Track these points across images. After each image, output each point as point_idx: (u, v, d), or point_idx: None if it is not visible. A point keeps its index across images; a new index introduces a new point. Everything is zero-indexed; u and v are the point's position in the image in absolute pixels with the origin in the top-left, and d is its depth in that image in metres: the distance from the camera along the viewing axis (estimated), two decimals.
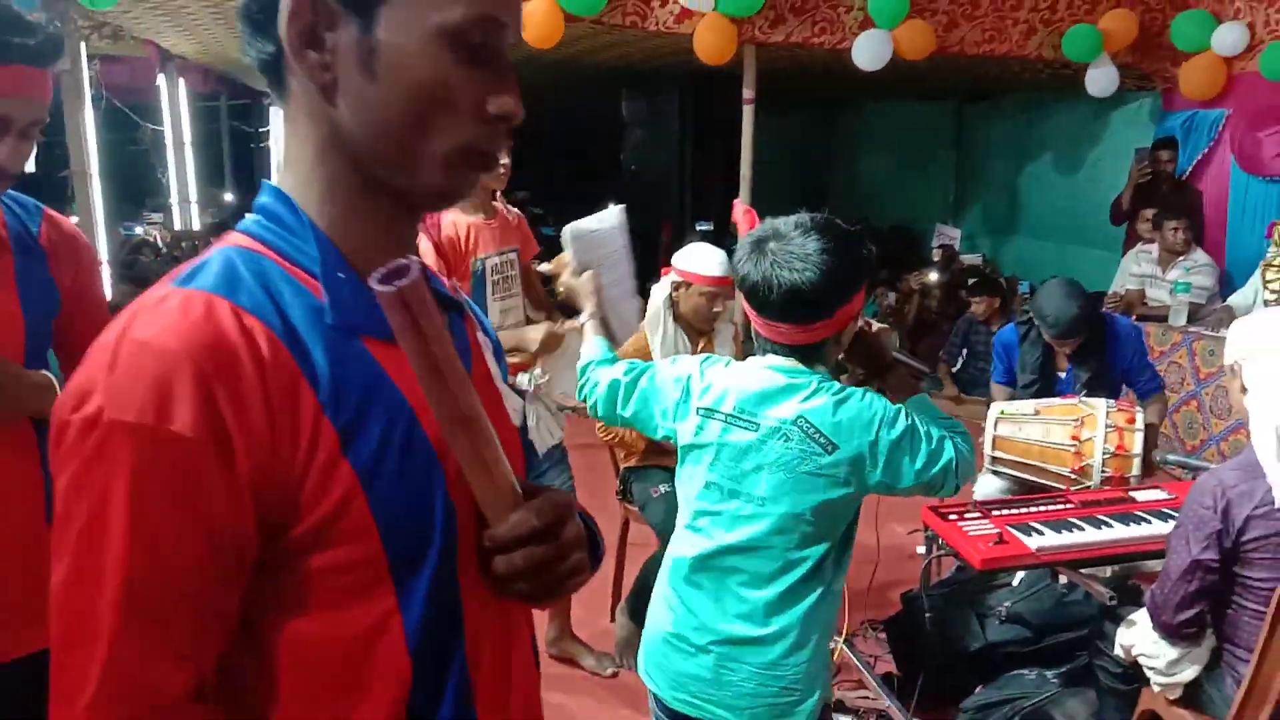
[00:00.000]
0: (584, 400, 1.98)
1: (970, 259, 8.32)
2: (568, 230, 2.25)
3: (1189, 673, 2.08)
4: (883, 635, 3.33)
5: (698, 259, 3.13)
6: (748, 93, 5.79)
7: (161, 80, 7.78)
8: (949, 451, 1.69)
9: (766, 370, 1.74)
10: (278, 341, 0.72)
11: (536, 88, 11.35)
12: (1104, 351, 3.51)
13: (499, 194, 3.10)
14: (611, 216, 2.32)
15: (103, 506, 0.68)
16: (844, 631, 2.95)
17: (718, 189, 11.87)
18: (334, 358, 0.74)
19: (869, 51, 5.56)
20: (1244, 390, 2.03)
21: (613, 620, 3.43)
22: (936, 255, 8.65)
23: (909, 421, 1.68)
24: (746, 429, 1.71)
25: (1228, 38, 5.86)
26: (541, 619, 3.24)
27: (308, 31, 0.73)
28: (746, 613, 1.73)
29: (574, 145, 13.50)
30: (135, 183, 8.89)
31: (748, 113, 5.80)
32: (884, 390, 1.78)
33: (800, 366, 1.72)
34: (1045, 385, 3.65)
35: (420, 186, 0.79)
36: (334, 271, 0.77)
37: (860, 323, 1.80)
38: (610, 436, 3.31)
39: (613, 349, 2.03)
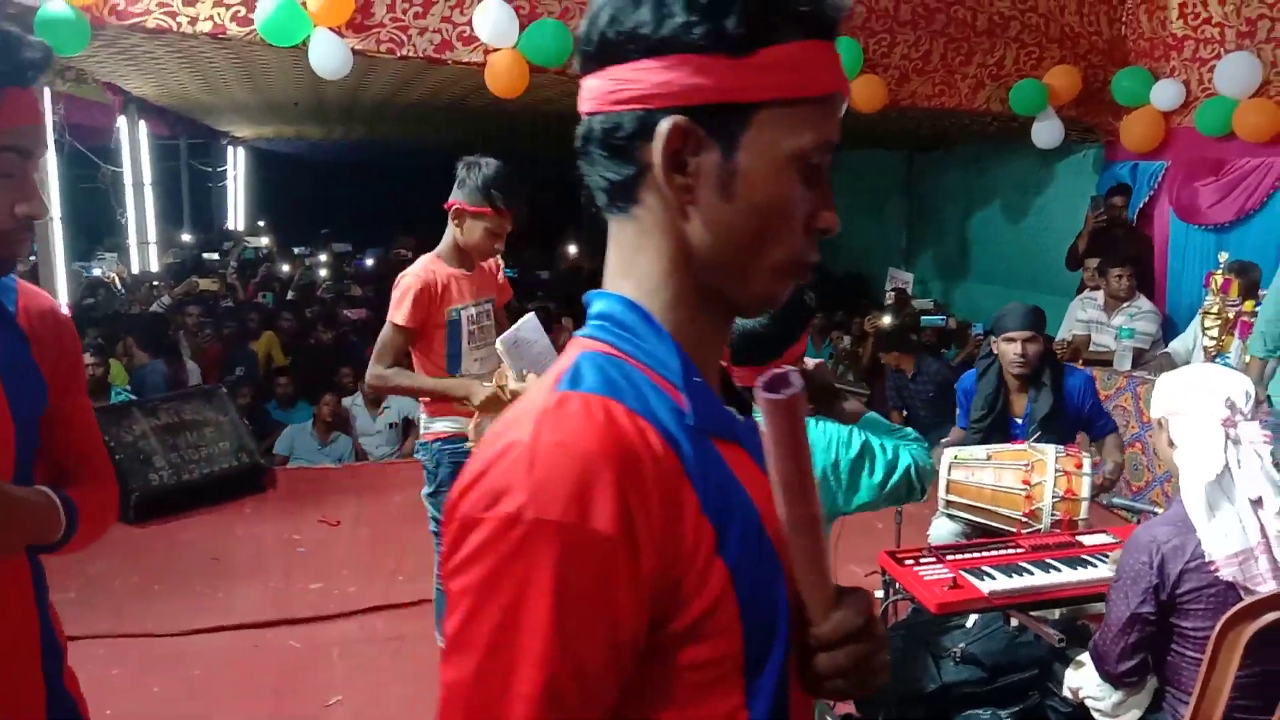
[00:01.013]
0: None
1: (922, 304, 8.53)
2: (499, 343, 2.38)
3: (1132, 715, 2.17)
4: None
5: None
6: None
7: (122, 121, 7.78)
8: (905, 458, 1.82)
9: None
10: (664, 442, 0.75)
11: (496, 130, 11.42)
12: (1060, 387, 3.63)
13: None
14: (529, 322, 2.51)
15: (523, 603, 0.70)
16: None
17: None
18: (699, 458, 0.78)
19: None
20: (1172, 445, 2.13)
21: None
22: (889, 299, 8.85)
23: (863, 439, 1.81)
24: None
25: (1165, 94, 6.13)
26: None
27: (677, 157, 0.77)
28: None
29: (533, 188, 13.73)
30: (93, 224, 8.83)
31: None
32: (835, 416, 1.90)
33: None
34: (999, 424, 3.74)
35: (752, 294, 0.84)
36: (691, 376, 0.81)
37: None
38: None
39: None
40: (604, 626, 0.71)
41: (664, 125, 0.76)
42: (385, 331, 2.94)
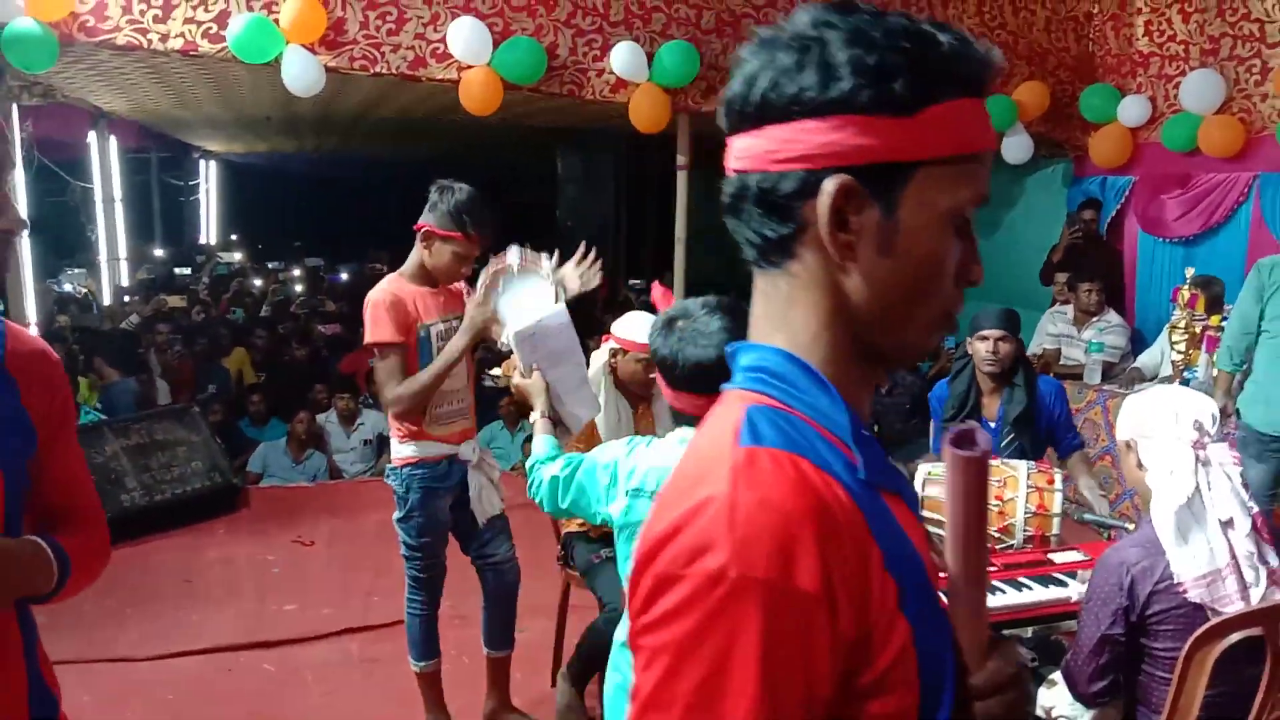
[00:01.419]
0: (533, 497, 2.06)
1: None
2: (513, 334, 2.31)
3: None
4: None
5: (633, 327, 3.22)
6: (681, 159, 5.96)
7: (92, 137, 7.71)
8: None
9: (681, 446, 1.85)
10: (850, 497, 0.76)
11: (470, 143, 11.42)
12: (1034, 389, 3.68)
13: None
14: (556, 315, 2.40)
15: (728, 662, 0.69)
16: None
17: (652, 247, 12.07)
18: (875, 512, 0.78)
19: None
20: (1141, 467, 2.16)
21: (554, 685, 3.45)
22: None
23: None
24: None
25: (1132, 110, 6.22)
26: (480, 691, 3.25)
27: (840, 215, 0.78)
28: None
29: (508, 201, 13.62)
30: (61, 239, 8.75)
31: (682, 179, 5.96)
32: None
33: None
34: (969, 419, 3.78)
35: (906, 346, 0.85)
36: (860, 429, 0.81)
37: None
38: None
39: (560, 446, 2.11)
40: (805, 684, 0.72)
41: (829, 185, 0.77)
42: (378, 360, 2.92)
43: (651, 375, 3.33)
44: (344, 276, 12.50)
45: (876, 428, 6.60)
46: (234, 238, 16.64)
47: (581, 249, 2.90)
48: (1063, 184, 7.15)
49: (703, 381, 1.78)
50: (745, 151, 0.82)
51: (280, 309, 9.79)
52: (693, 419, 1.84)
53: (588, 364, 2.74)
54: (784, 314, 0.84)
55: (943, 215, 0.80)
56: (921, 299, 0.82)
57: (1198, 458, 2.05)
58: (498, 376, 2.71)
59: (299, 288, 10.14)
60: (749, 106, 0.81)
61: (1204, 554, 2.01)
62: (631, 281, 10.52)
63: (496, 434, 6.58)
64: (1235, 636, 1.94)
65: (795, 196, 0.79)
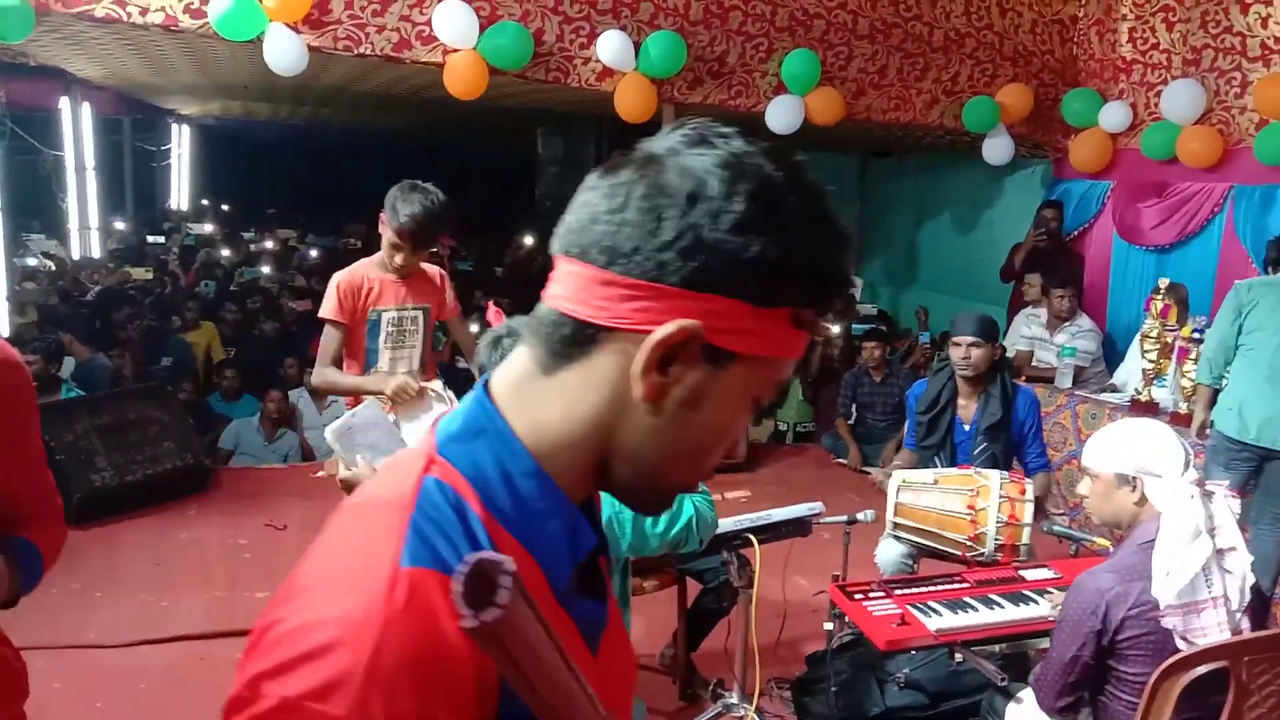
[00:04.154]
0: None
1: (866, 309, 8.65)
2: (328, 432, 2.42)
3: None
4: (788, 694, 3.46)
5: None
6: None
7: (65, 103, 7.56)
8: (688, 510, 1.94)
9: None
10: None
11: (450, 121, 11.28)
12: (1010, 400, 3.74)
13: (441, 273, 3.40)
14: (365, 410, 2.54)
15: None
16: (755, 695, 3.07)
17: None
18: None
19: (782, 117, 5.77)
20: (1142, 502, 2.21)
21: None
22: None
23: None
24: None
25: (1113, 116, 6.28)
26: None
27: (666, 357, 0.73)
28: None
29: (489, 181, 13.50)
30: (32, 209, 8.58)
31: None
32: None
33: None
34: (945, 428, 3.83)
35: (648, 493, 0.82)
36: (566, 578, 0.79)
37: None
38: None
39: None
40: None
41: (671, 326, 0.72)
42: (324, 334, 3.22)
43: None
44: (314, 254, 12.31)
45: (852, 421, 6.66)
46: (205, 203, 16.41)
47: None
48: (1041, 185, 7.22)
49: None
50: (587, 282, 0.74)
51: (250, 284, 9.67)
52: None
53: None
54: (542, 400, 0.77)
55: (751, 396, 0.78)
56: (696, 460, 0.80)
57: (1203, 492, 2.13)
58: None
59: (266, 269, 9.97)
60: (598, 244, 0.73)
61: (1189, 584, 2.07)
62: None
63: None
64: (1201, 669, 2.00)
65: (630, 314, 0.74)
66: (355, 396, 3.29)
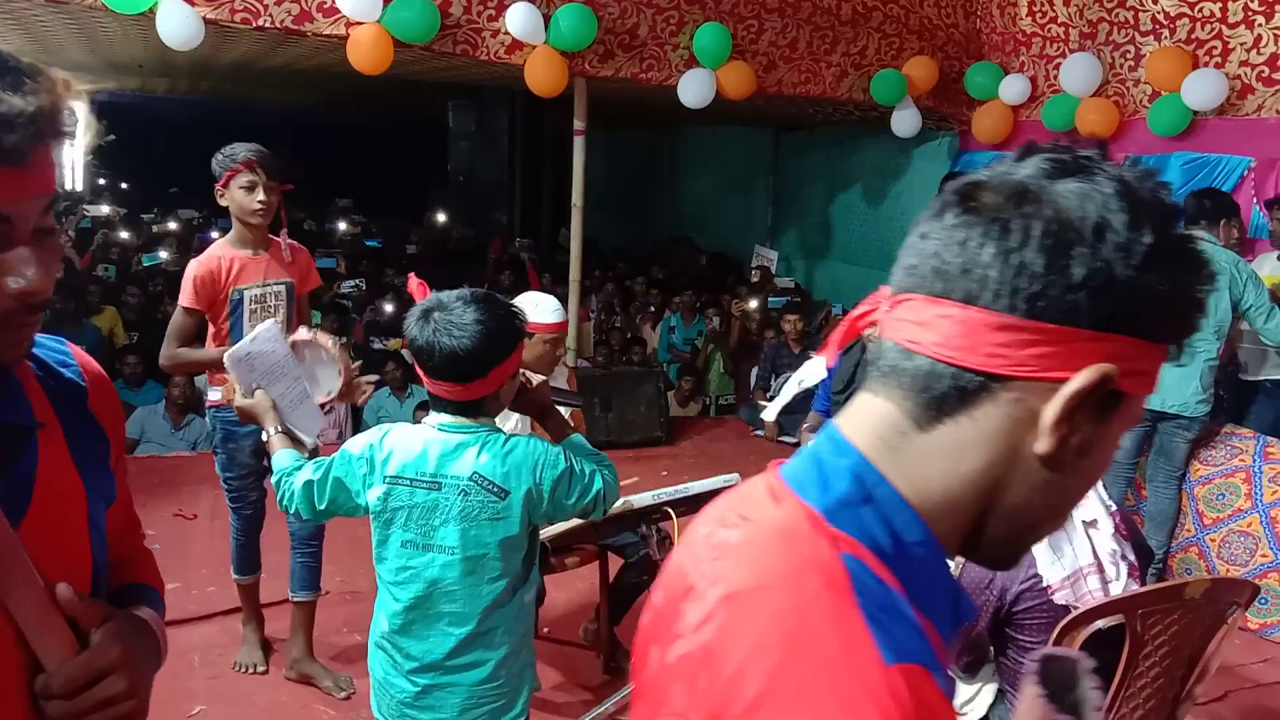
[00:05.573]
0: (285, 509, 2.12)
1: (783, 283, 8.74)
2: (226, 357, 2.33)
3: (976, 715, 2.35)
4: None
5: (537, 309, 3.20)
6: (579, 124, 5.90)
7: None
8: (598, 483, 2.02)
9: (437, 431, 1.97)
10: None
11: (360, 93, 11.03)
12: None
13: (284, 233, 3.31)
14: (263, 332, 2.41)
15: None
16: None
17: (547, 206, 11.94)
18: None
19: (694, 91, 5.78)
20: None
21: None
22: (755, 276, 9.03)
23: (566, 462, 1.99)
24: (430, 488, 1.95)
25: (1013, 88, 6.44)
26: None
27: (1081, 405, 0.68)
28: (455, 645, 1.99)
29: (398, 155, 13.22)
30: None
31: (579, 143, 5.91)
32: (548, 433, 2.11)
33: (467, 421, 1.97)
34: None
35: (1008, 553, 0.78)
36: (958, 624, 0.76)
37: (520, 378, 2.09)
38: None
39: (302, 458, 2.13)
40: None
41: (1091, 371, 0.67)
42: (174, 315, 3.20)
43: (559, 353, 3.34)
44: (215, 235, 11.91)
45: (774, 377, 6.76)
46: (101, 182, 15.77)
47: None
48: (948, 157, 7.37)
49: (457, 370, 1.91)
50: (960, 332, 0.69)
51: (153, 268, 9.34)
52: (447, 403, 1.97)
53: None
54: (921, 459, 0.72)
55: (1121, 434, 0.75)
56: (1069, 509, 0.77)
57: None
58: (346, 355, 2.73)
59: (165, 255, 9.59)
60: (985, 285, 0.68)
61: (1068, 555, 2.14)
62: (519, 241, 10.39)
63: (384, 401, 6.48)
64: (1099, 623, 2.08)
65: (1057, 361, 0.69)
66: (210, 372, 3.31)
